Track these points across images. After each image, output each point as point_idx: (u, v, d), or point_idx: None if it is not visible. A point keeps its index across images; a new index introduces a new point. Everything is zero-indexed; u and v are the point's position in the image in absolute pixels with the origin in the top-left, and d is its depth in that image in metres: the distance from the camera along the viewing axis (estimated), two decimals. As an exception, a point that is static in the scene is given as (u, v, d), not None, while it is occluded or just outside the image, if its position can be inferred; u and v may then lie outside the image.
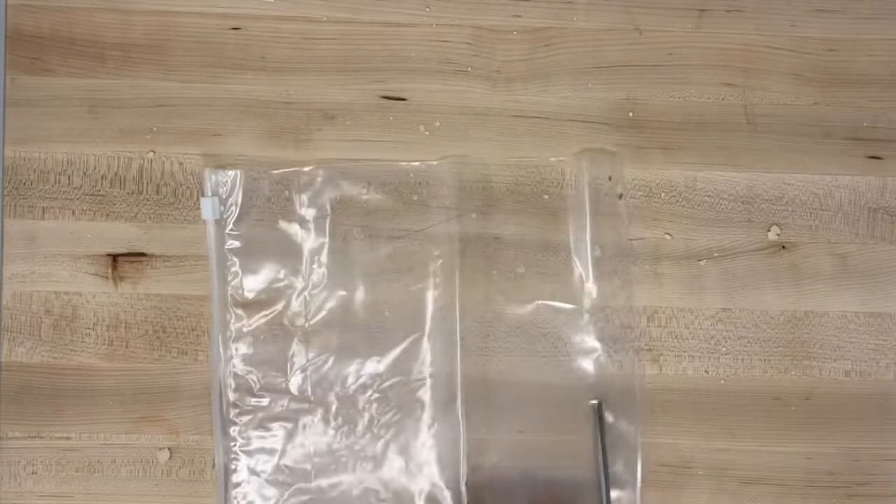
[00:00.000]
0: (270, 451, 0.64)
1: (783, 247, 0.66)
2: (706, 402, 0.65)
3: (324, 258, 0.64)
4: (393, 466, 0.63)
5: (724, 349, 0.66)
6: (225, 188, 0.64)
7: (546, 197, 0.65)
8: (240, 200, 0.64)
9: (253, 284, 0.64)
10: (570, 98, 0.65)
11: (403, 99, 0.65)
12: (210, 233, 0.64)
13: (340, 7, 0.65)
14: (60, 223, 0.64)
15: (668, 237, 0.66)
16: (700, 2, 0.66)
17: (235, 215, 0.64)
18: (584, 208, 0.65)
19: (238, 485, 0.63)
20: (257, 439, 0.64)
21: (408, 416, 0.64)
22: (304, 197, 0.64)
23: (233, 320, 0.64)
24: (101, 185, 0.64)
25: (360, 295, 0.64)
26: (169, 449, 0.64)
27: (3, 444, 0.64)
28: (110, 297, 0.64)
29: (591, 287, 0.65)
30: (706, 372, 0.66)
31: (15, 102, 0.64)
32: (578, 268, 0.65)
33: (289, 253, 0.64)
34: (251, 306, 0.64)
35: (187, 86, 0.65)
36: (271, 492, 0.63)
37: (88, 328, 0.64)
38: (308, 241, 0.64)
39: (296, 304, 0.64)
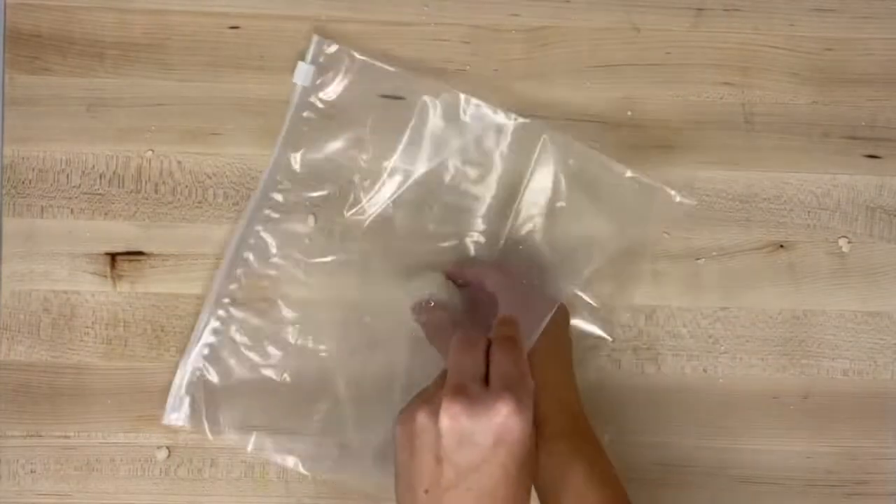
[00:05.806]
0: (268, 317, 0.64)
1: (781, 246, 0.66)
2: (705, 401, 0.66)
3: (389, 163, 0.64)
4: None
5: (722, 348, 0.66)
6: (323, 59, 0.64)
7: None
8: (333, 77, 0.64)
9: (311, 161, 0.64)
10: (569, 97, 0.65)
11: (402, 98, 0.65)
12: (295, 96, 0.64)
13: (339, 6, 0.65)
14: (59, 222, 0.64)
15: (666, 236, 0.66)
16: (698, 1, 0.66)
17: (325, 90, 0.64)
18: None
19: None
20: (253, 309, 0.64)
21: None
22: (394, 103, 0.64)
23: (279, 187, 0.64)
24: (100, 183, 0.64)
25: (402, 217, 0.64)
26: (167, 448, 0.64)
27: (1, 443, 0.64)
28: (109, 296, 0.64)
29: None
30: (704, 371, 0.66)
31: (14, 102, 0.64)
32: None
33: (355, 146, 0.64)
34: (300, 180, 0.64)
35: (186, 85, 0.65)
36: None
37: (87, 327, 0.64)
38: (375, 148, 0.64)
39: (340, 196, 0.64)
